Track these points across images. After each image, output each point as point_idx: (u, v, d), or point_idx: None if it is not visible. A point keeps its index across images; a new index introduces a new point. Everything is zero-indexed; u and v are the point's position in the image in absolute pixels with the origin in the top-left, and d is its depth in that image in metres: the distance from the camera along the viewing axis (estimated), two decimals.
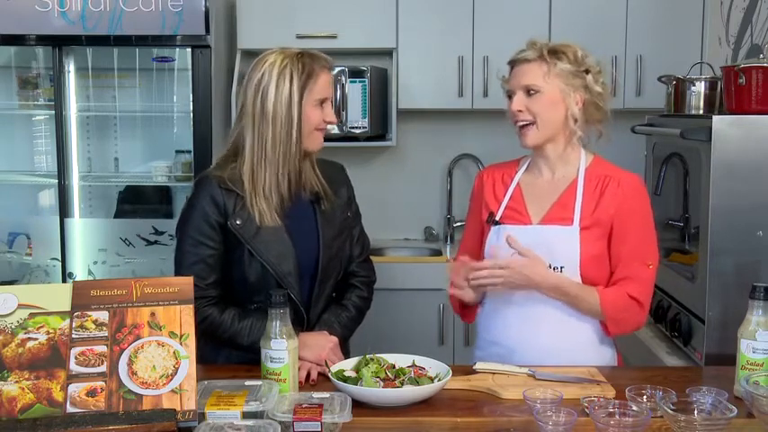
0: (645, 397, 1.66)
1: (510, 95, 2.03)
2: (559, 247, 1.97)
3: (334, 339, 2.03)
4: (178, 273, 2.02)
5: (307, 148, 2.04)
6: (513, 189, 2.09)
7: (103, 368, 1.59)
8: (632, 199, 1.99)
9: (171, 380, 1.59)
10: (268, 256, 2.00)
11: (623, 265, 1.98)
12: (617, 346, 2.11)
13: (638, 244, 1.99)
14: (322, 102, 2.02)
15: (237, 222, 1.99)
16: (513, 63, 2.04)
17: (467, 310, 2.15)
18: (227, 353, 2.07)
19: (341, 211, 2.15)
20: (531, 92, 1.97)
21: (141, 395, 1.57)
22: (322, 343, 1.99)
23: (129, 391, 1.57)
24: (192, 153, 3.63)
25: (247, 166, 2.00)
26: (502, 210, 2.07)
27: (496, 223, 2.05)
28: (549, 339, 2.00)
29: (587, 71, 1.99)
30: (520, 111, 1.99)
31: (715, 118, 2.27)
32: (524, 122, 2.00)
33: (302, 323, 2.06)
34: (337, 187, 2.15)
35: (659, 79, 2.85)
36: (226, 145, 2.11)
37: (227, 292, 2.06)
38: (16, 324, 1.62)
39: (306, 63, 1.99)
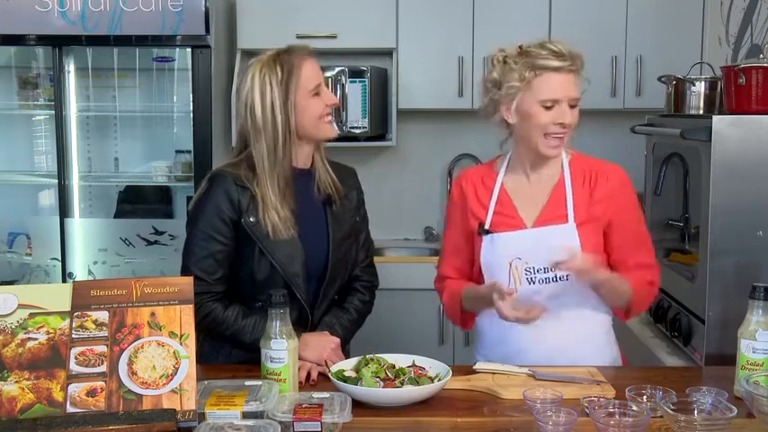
0: (645, 397, 1.66)
1: (548, 105, 1.91)
2: (559, 246, 1.96)
3: (336, 340, 2.03)
4: (186, 266, 2.01)
5: (318, 136, 2.04)
6: (497, 193, 2.05)
7: (103, 368, 1.59)
8: (623, 191, 2.02)
9: (171, 380, 1.59)
10: (279, 255, 2.00)
11: (631, 254, 2.00)
12: (619, 345, 2.12)
13: (638, 231, 2.03)
14: (316, 90, 2.01)
15: (251, 220, 1.99)
16: (555, 69, 1.90)
17: (466, 316, 2.12)
18: (227, 352, 2.07)
19: (350, 214, 2.15)
20: (573, 103, 1.92)
21: (141, 395, 1.57)
22: (324, 343, 1.99)
23: (130, 391, 1.57)
24: (192, 153, 3.63)
25: (255, 177, 2.01)
26: (490, 216, 2.03)
27: (487, 232, 2.01)
28: (555, 339, 1.99)
29: None
30: (571, 122, 1.91)
31: (715, 118, 2.26)
32: (565, 132, 1.93)
33: (306, 324, 2.06)
34: (348, 191, 2.15)
35: (659, 79, 2.85)
36: (230, 152, 2.11)
37: (233, 290, 2.06)
38: (16, 324, 1.62)
39: (283, 61, 1.98)
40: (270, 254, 2.00)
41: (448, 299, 2.12)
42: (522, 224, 2.01)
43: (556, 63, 1.90)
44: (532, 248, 1.96)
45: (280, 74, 1.97)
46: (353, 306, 2.16)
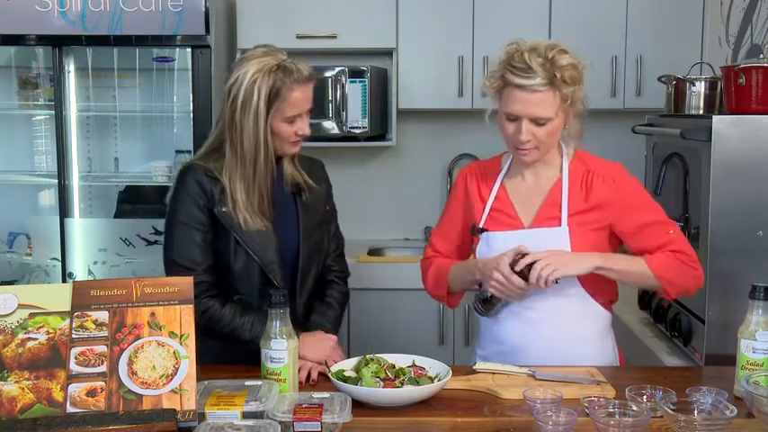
0: (645, 397, 1.66)
1: (511, 118, 1.91)
2: (551, 248, 1.93)
3: (334, 338, 2.05)
4: (169, 259, 2.02)
5: (281, 153, 2.06)
6: (497, 191, 2.06)
7: (103, 368, 1.59)
8: (623, 184, 1.99)
9: (171, 380, 1.59)
10: (253, 244, 2.02)
11: (650, 239, 1.98)
12: (618, 344, 2.12)
13: (652, 217, 1.99)
14: (293, 118, 2.00)
15: (224, 210, 2.01)
16: (516, 86, 1.86)
17: (451, 297, 2.15)
18: (226, 351, 2.07)
19: (321, 203, 2.18)
20: (541, 122, 1.89)
21: (141, 395, 1.57)
22: (323, 342, 2.01)
23: (130, 391, 1.57)
24: (192, 153, 3.63)
25: (225, 172, 2.02)
26: (486, 214, 2.04)
27: (482, 231, 2.03)
28: (554, 337, 2.00)
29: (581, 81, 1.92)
30: (528, 140, 1.90)
31: (715, 118, 2.26)
32: (528, 148, 1.93)
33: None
34: (317, 182, 2.17)
35: (659, 79, 2.85)
36: (208, 142, 2.11)
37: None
38: (16, 324, 1.62)
39: (276, 80, 1.95)
40: (245, 243, 2.01)
41: (433, 274, 2.14)
42: (521, 224, 2.01)
43: (518, 81, 1.86)
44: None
45: (269, 87, 1.95)
46: (334, 299, 2.20)
